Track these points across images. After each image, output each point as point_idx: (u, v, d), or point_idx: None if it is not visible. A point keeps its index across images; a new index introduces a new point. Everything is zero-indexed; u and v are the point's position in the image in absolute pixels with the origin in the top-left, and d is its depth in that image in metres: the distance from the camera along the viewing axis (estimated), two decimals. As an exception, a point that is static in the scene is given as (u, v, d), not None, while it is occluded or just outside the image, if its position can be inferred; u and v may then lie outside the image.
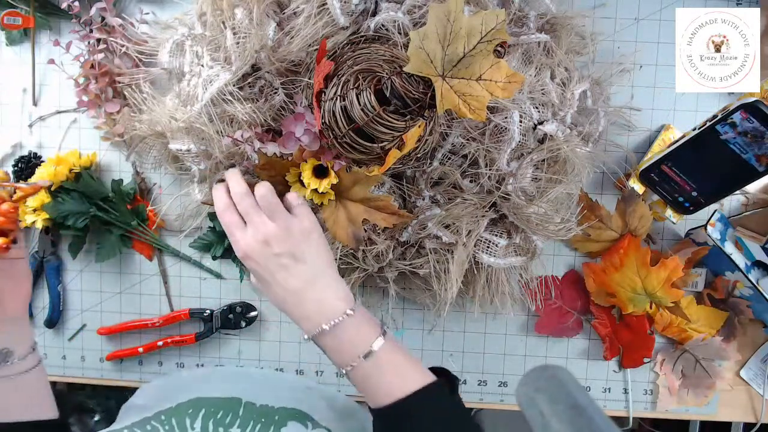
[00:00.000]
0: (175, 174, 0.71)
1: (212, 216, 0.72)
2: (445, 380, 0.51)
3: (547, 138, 0.64)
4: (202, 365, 0.77)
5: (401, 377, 0.49)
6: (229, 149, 0.63)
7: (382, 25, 0.60)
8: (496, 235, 0.67)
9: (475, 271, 0.67)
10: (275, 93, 0.63)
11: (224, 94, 0.62)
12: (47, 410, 0.55)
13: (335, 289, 0.52)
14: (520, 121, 0.62)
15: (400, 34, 0.60)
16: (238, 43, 0.62)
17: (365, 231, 0.65)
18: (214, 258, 0.74)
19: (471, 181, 0.66)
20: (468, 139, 0.64)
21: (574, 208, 0.69)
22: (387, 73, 0.54)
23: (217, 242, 0.73)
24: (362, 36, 0.60)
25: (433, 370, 0.52)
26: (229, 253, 0.74)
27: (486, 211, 0.66)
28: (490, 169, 0.64)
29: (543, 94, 0.63)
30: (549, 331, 0.75)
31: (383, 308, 0.75)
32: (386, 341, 0.50)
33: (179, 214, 0.74)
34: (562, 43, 0.64)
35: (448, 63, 0.51)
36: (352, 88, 0.54)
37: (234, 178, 0.54)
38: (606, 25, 0.71)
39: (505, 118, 0.63)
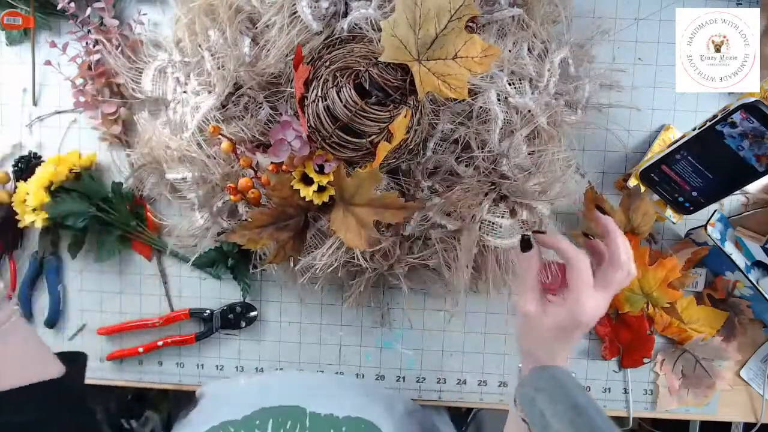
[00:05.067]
0: (175, 201, 0.71)
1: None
2: None
3: (528, 112, 0.64)
4: (202, 365, 0.77)
5: None
6: (225, 170, 0.64)
7: (355, 25, 0.60)
8: (499, 216, 0.67)
9: (484, 253, 0.67)
10: (260, 107, 0.64)
11: (211, 119, 0.64)
12: (47, 367, 0.49)
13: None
14: (498, 99, 0.63)
15: (374, 29, 0.60)
16: (219, 67, 0.63)
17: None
18: (219, 278, 0.75)
19: (466, 166, 0.66)
20: (457, 124, 0.64)
21: (572, 173, 0.69)
22: (364, 66, 0.54)
23: (219, 260, 0.73)
24: (337, 38, 0.60)
25: None
26: (232, 270, 0.74)
27: (485, 195, 0.66)
28: (482, 151, 0.64)
29: (520, 67, 0.63)
30: None
31: (393, 305, 0.75)
32: None
33: (183, 234, 0.72)
34: (535, 14, 0.64)
35: (422, 46, 0.51)
36: (332, 87, 0.55)
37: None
38: (606, 24, 0.70)
39: (483, 98, 0.63)
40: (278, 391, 0.67)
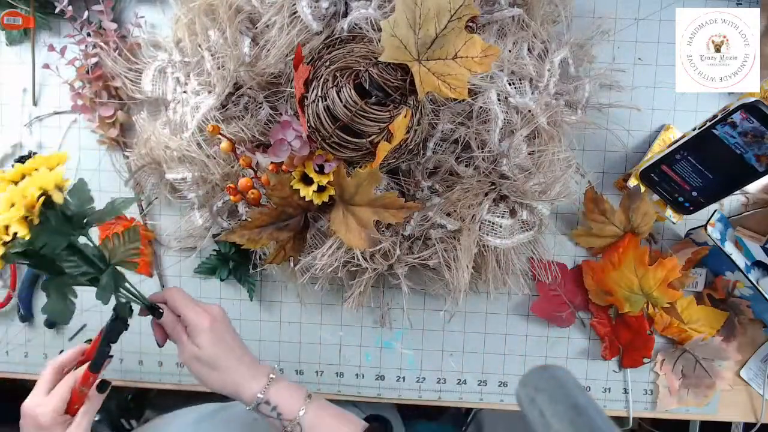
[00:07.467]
0: (175, 201, 0.71)
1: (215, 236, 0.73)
2: (379, 425, 0.56)
3: (528, 112, 0.64)
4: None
5: (345, 421, 0.56)
6: (225, 170, 0.64)
7: (355, 25, 0.61)
8: (499, 216, 0.67)
9: (484, 253, 0.67)
10: (260, 107, 0.64)
11: (210, 119, 0.64)
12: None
13: (254, 360, 0.60)
14: (498, 99, 0.63)
15: (374, 29, 0.60)
16: (219, 67, 0.63)
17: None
18: (222, 280, 0.75)
19: (466, 166, 0.66)
20: (457, 124, 0.64)
21: (572, 173, 0.69)
22: (364, 66, 0.54)
23: (221, 265, 0.74)
24: (337, 38, 0.60)
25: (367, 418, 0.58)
26: (234, 273, 0.74)
27: (485, 195, 0.66)
28: (482, 151, 0.64)
29: (520, 67, 0.63)
30: (543, 314, 0.74)
31: (393, 305, 0.75)
32: (313, 395, 0.57)
33: (179, 235, 0.73)
34: (535, 14, 0.64)
35: (422, 46, 0.52)
36: (332, 87, 0.55)
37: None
38: (606, 24, 0.71)
39: (483, 98, 0.63)
40: None
